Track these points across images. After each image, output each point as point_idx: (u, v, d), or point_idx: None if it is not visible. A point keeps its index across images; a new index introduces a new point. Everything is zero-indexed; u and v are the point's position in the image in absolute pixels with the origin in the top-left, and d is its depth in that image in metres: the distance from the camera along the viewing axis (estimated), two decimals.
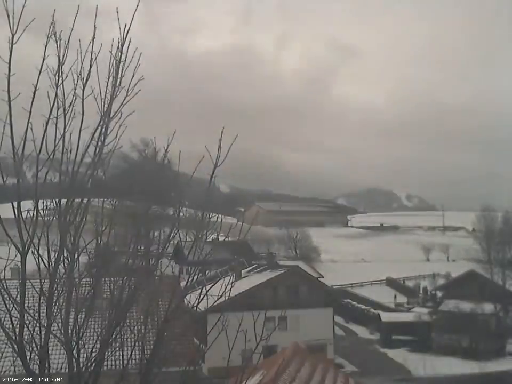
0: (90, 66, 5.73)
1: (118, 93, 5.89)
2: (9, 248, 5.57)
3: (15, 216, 5.62)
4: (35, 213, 5.70)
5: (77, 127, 5.82)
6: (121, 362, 6.13)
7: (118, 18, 5.66)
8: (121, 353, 6.14)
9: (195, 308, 6.49)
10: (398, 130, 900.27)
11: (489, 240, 58.05)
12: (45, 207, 5.89)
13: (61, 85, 5.65)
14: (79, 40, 5.63)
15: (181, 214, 6.86)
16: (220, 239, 11.28)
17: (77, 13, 5.68)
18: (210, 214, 6.53)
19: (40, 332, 5.65)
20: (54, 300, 5.72)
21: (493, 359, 41.73)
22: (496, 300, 47.61)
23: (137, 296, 6.14)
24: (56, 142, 5.72)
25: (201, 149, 5.77)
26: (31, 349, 5.63)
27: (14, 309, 5.59)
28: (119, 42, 5.83)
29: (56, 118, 5.69)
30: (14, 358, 5.71)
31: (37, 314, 5.68)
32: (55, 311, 5.72)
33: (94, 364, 5.85)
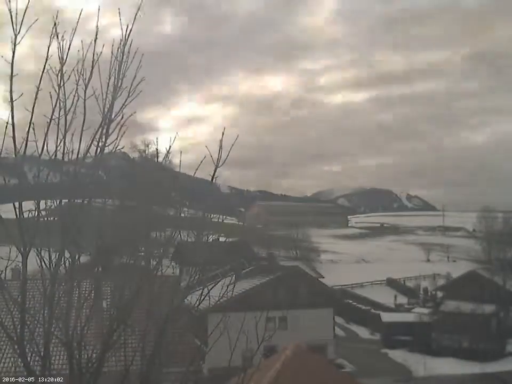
0: (92, 67, 5.75)
1: (119, 94, 5.90)
2: (10, 249, 5.58)
3: (16, 217, 5.63)
4: (36, 214, 5.71)
5: (78, 127, 5.83)
6: (122, 363, 6.13)
7: (120, 19, 5.68)
8: (122, 354, 6.14)
9: (196, 308, 6.50)
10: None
11: (490, 241, 58.06)
12: (46, 208, 5.90)
13: (63, 86, 5.66)
14: (81, 41, 5.64)
15: (182, 215, 6.87)
16: (220, 240, 11.32)
17: (80, 14, 5.70)
18: (211, 215, 6.54)
19: (44, 332, 5.65)
20: (55, 300, 5.72)
21: (493, 360, 41.71)
22: (497, 301, 47.58)
23: (138, 297, 6.14)
24: (58, 142, 5.73)
25: None
26: (31, 349, 5.63)
27: (15, 309, 5.60)
28: (120, 43, 5.84)
29: (58, 118, 5.70)
30: (15, 358, 5.72)
31: (38, 314, 5.69)
32: (56, 311, 5.73)
33: (94, 365, 5.86)
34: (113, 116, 5.93)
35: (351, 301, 60.53)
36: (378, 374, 37.41)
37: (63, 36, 5.56)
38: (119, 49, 5.83)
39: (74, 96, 5.74)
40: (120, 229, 6.72)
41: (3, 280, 5.70)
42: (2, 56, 5.36)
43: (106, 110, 5.89)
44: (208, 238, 6.55)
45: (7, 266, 5.75)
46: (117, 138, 5.99)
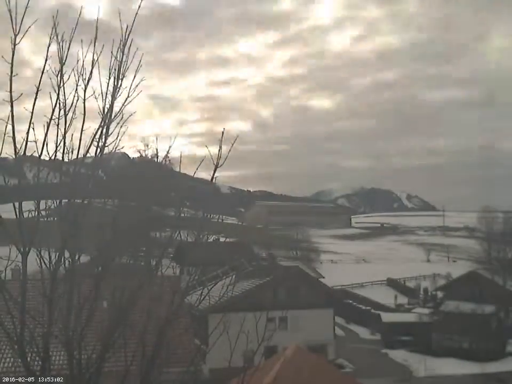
0: (92, 67, 5.75)
1: (119, 94, 5.90)
2: (10, 249, 5.57)
3: (16, 217, 5.63)
4: (36, 214, 5.71)
5: (78, 127, 5.83)
6: (122, 363, 6.12)
7: (120, 20, 5.68)
8: (122, 354, 6.14)
9: (196, 308, 6.50)
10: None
11: (490, 241, 58.02)
12: (46, 208, 5.90)
13: (63, 86, 5.67)
14: (81, 41, 5.65)
15: (182, 215, 6.86)
16: (220, 240, 11.33)
17: (79, 14, 5.70)
18: (211, 215, 6.54)
19: (44, 332, 5.65)
20: (55, 300, 5.72)
21: (493, 360, 41.69)
22: (497, 301, 47.55)
23: (138, 297, 6.14)
24: (58, 142, 5.73)
25: None
26: (31, 349, 5.63)
27: (15, 309, 5.59)
28: (120, 43, 5.84)
29: (58, 118, 5.70)
30: (15, 358, 5.72)
31: (37, 315, 5.69)
32: (56, 311, 5.72)
33: (94, 365, 5.86)
34: (113, 116, 5.93)
35: (351, 301, 60.46)
36: (378, 374, 37.41)
37: (62, 36, 5.56)
38: (119, 49, 5.83)
39: (74, 96, 5.75)
40: (120, 229, 6.71)
41: (3, 280, 5.69)
42: (2, 56, 5.36)
43: (105, 110, 5.89)
44: (208, 238, 6.54)
45: (7, 266, 5.74)
46: (116, 139, 6.00)
